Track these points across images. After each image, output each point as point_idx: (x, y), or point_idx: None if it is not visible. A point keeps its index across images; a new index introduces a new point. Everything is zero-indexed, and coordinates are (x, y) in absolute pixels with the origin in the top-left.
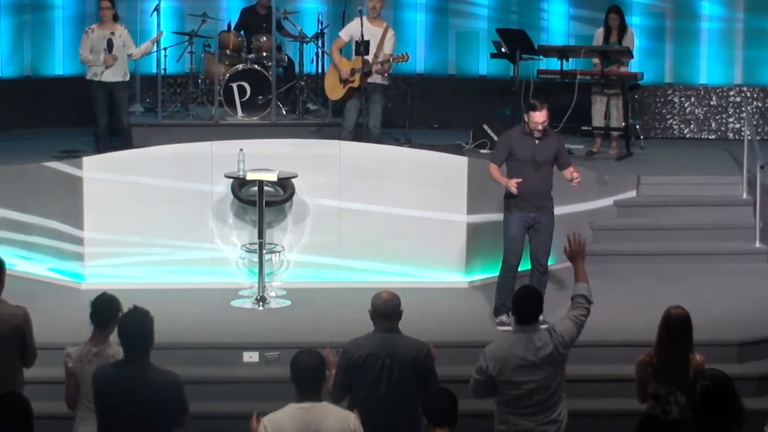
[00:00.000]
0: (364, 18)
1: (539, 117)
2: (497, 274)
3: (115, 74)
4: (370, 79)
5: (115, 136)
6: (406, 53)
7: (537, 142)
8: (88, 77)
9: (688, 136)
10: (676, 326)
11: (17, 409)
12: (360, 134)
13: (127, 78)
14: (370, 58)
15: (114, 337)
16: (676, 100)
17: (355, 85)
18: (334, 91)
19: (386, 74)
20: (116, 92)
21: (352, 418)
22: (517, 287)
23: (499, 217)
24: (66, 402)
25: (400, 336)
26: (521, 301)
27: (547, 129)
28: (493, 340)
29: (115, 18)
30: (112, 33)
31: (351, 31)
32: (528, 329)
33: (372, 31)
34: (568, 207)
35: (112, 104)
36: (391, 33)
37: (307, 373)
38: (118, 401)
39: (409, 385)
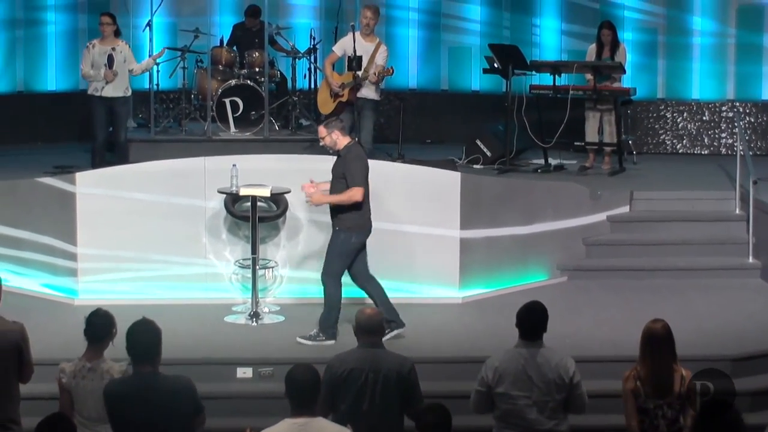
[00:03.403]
0: (357, 33)
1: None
2: (491, 289)
3: (116, 90)
4: (360, 95)
5: (110, 152)
6: (391, 67)
7: (337, 159)
8: (89, 92)
9: (680, 151)
10: (656, 339)
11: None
12: None
13: (128, 93)
14: (360, 73)
15: (108, 352)
16: (668, 115)
17: (344, 99)
18: (324, 105)
19: (378, 86)
20: (116, 107)
21: None
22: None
23: (492, 232)
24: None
25: (383, 351)
26: (522, 316)
27: (350, 147)
28: (490, 355)
29: (117, 34)
30: (113, 48)
31: (344, 45)
32: (530, 345)
33: (365, 47)
34: (561, 222)
35: (112, 119)
36: (383, 48)
37: (302, 388)
38: (133, 415)
39: (393, 401)
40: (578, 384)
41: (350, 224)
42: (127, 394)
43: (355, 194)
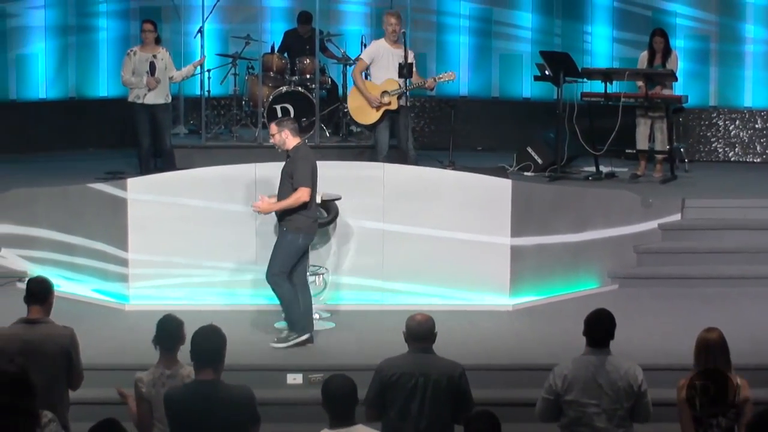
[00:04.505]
0: (383, 40)
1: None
2: (542, 297)
3: (157, 97)
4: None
5: (158, 158)
6: (453, 72)
7: (287, 159)
8: (130, 99)
9: (732, 159)
10: (711, 349)
11: None
12: (395, 157)
13: (169, 100)
14: (415, 80)
15: (183, 356)
16: (720, 123)
17: (393, 107)
18: (366, 115)
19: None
20: (158, 114)
21: None
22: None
23: (543, 239)
24: (138, 428)
25: (434, 356)
26: (591, 323)
27: (298, 148)
28: (557, 363)
29: (158, 41)
30: (155, 56)
31: (372, 54)
32: (599, 352)
33: (395, 53)
34: (612, 230)
35: (155, 126)
36: (410, 55)
37: (340, 399)
38: (192, 422)
39: (443, 405)
40: (645, 392)
41: (298, 225)
42: (188, 400)
43: (301, 195)
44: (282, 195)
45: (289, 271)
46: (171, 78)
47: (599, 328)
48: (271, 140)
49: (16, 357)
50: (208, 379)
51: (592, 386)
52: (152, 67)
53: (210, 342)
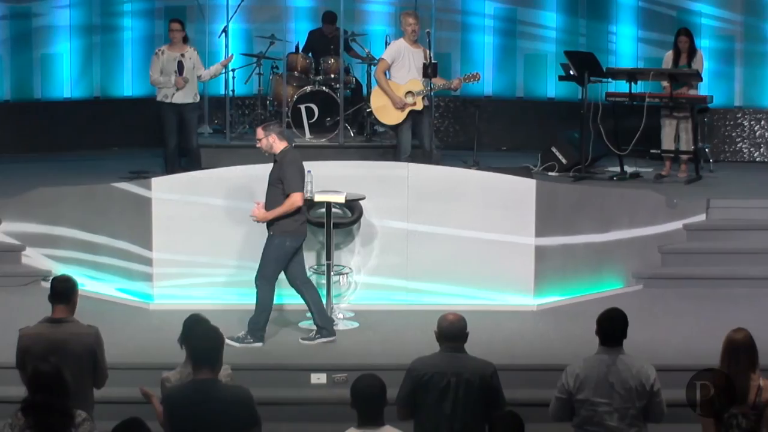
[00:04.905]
0: (403, 40)
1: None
2: (566, 297)
3: (185, 96)
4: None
5: (183, 157)
6: (478, 73)
7: (273, 164)
8: (158, 99)
9: (758, 159)
10: (736, 349)
11: None
12: (418, 157)
13: (197, 99)
14: (441, 81)
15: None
16: (745, 123)
17: (418, 108)
18: (390, 115)
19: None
20: (186, 114)
21: None
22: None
23: (568, 239)
24: (165, 428)
25: (465, 356)
26: (603, 323)
27: (285, 152)
28: (565, 363)
29: (185, 40)
30: (182, 55)
31: (393, 54)
32: (611, 351)
33: (415, 53)
34: (637, 230)
35: (182, 125)
36: (428, 54)
37: (369, 399)
38: (190, 422)
39: (475, 404)
40: (658, 392)
41: (285, 229)
42: (186, 400)
43: (295, 200)
44: (270, 199)
45: (277, 275)
46: (199, 77)
47: (611, 327)
48: (258, 144)
49: (50, 356)
50: (205, 378)
51: (603, 385)
52: (180, 67)
53: (208, 341)
